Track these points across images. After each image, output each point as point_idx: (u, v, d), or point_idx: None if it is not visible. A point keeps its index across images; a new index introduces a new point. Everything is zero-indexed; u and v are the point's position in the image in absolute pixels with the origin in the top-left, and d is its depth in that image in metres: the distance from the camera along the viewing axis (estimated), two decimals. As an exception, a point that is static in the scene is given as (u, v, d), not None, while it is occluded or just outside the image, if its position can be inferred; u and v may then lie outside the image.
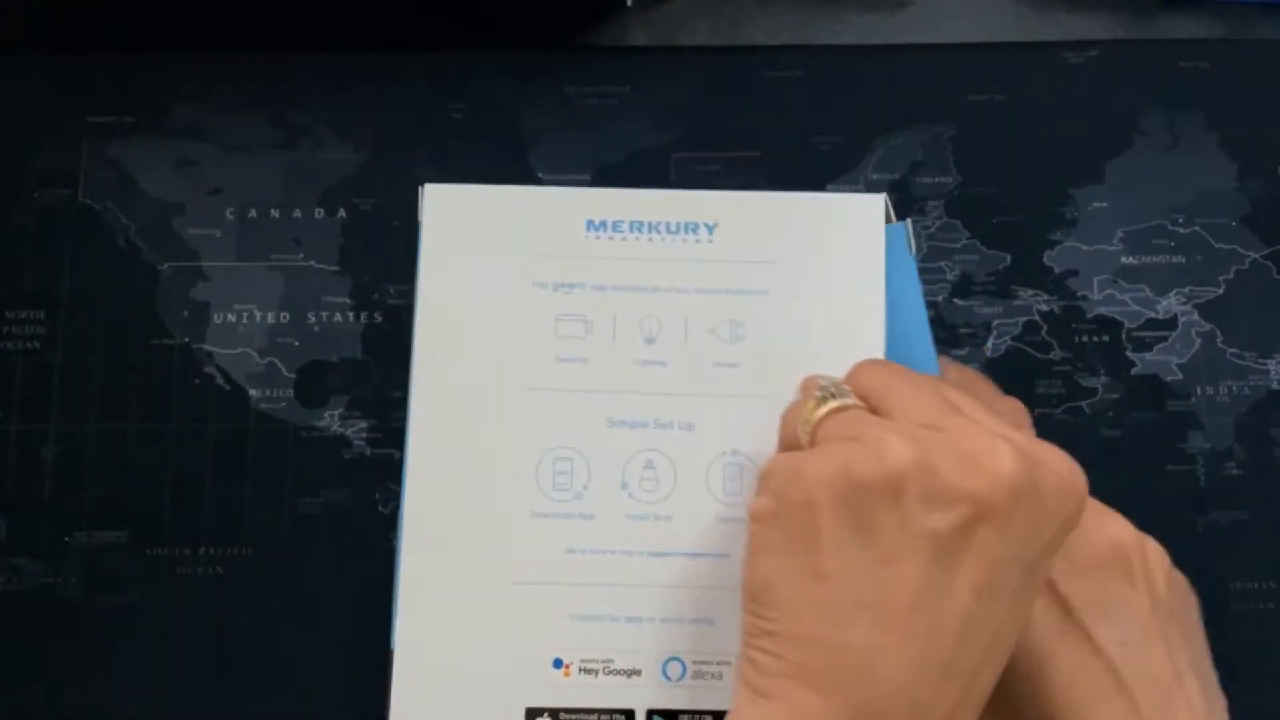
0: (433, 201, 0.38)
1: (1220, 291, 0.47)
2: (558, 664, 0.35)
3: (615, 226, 0.37)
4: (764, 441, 0.36)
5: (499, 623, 0.35)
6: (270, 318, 0.47)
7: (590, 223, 0.37)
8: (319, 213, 0.48)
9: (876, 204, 0.37)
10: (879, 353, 0.36)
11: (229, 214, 0.48)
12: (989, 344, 0.47)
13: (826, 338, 0.36)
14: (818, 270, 0.37)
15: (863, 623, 0.28)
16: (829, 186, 0.48)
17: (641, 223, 0.37)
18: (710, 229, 0.37)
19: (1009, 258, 0.47)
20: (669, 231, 0.37)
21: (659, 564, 0.35)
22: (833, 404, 0.32)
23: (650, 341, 0.37)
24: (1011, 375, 0.46)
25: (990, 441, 0.29)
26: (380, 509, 0.46)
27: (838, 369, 0.35)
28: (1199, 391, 0.46)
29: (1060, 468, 0.30)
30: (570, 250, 0.37)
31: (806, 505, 0.29)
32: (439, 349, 0.37)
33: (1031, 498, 0.29)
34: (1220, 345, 0.47)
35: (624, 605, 0.35)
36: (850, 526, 0.29)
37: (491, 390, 0.37)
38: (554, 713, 0.35)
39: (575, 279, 0.37)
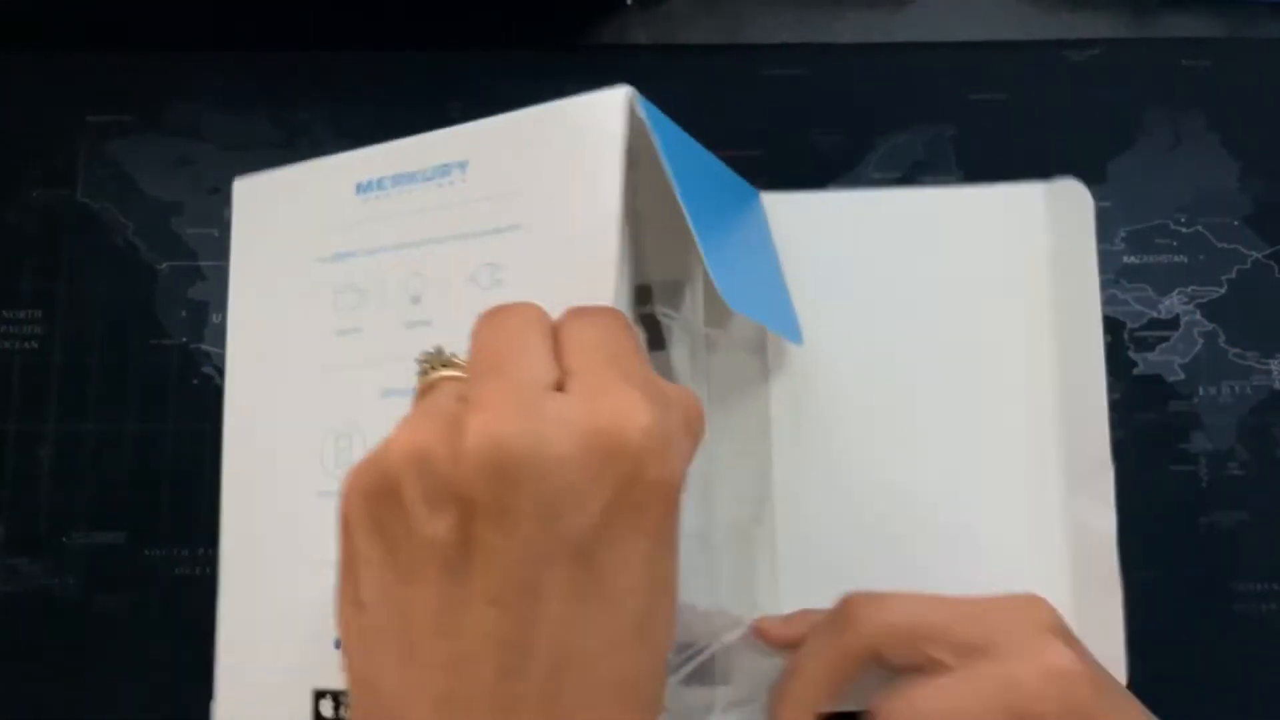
0: (239, 195, 0.37)
1: (1223, 291, 0.47)
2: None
3: (380, 184, 0.35)
4: None
5: (289, 604, 0.34)
6: (269, 317, 0.47)
7: (359, 185, 0.35)
8: (318, 212, 0.48)
9: (616, 101, 0.32)
10: (612, 278, 0.30)
11: (228, 214, 0.48)
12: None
13: (572, 270, 0.31)
14: (562, 192, 0.32)
15: (390, 657, 0.24)
16: (830, 185, 0.48)
17: (403, 175, 0.34)
18: (463, 168, 0.33)
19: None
20: (425, 179, 0.34)
21: None
22: (424, 380, 0.27)
23: (416, 301, 0.34)
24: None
25: (479, 415, 0.23)
26: (379, 509, 0.46)
27: (581, 297, 0.29)
28: (1201, 391, 0.46)
29: (579, 423, 0.23)
30: (345, 218, 0.35)
31: (345, 523, 0.25)
32: (245, 340, 0.36)
33: (527, 478, 0.22)
34: (1223, 345, 0.46)
35: None
36: (376, 542, 0.24)
37: (290, 374, 0.35)
38: (337, 695, 0.33)
39: (351, 247, 0.35)
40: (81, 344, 0.47)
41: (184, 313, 0.47)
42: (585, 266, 0.30)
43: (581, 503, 0.23)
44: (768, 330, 0.43)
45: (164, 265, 0.48)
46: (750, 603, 0.41)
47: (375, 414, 0.33)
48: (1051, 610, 0.34)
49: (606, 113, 0.32)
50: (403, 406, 0.27)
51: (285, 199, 0.36)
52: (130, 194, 0.48)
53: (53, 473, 0.46)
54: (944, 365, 0.42)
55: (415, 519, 0.23)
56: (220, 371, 0.47)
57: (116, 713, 0.44)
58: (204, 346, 0.47)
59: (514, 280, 0.32)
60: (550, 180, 0.32)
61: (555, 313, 0.27)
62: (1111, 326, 0.47)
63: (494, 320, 0.26)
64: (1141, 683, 0.40)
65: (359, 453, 0.31)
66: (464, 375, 0.26)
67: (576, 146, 0.32)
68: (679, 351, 0.37)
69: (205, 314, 0.47)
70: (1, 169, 0.48)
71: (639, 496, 0.23)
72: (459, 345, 0.28)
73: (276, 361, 0.36)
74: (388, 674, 0.24)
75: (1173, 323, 0.47)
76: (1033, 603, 0.34)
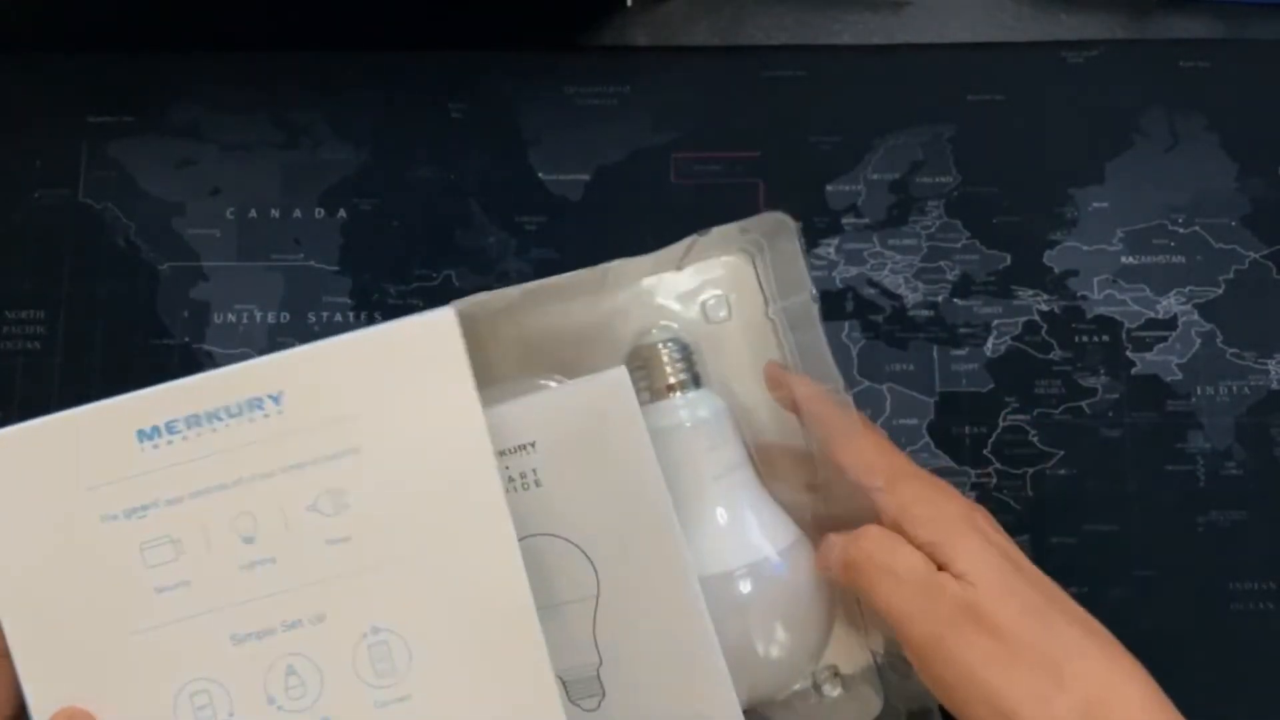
0: None
1: (1220, 291, 0.47)
2: None
3: (170, 429, 0.33)
4: (403, 608, 0.34)
5: None
6: (270, 318, 0.47)
7: (141, 433, 0.33)
8: (319, 213, 0.48)
9: (445, 319, 0.34)
10: (492, 471, 0.34)
11: (229, 214, 0.48)
12: (989, 344, 0.47)
13: (436, 478, 0.34)
14: (405, 409, 0.34)
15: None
16: (829, 187, 0.48)
17: (197, 415, 0.34)
18: (276, 399, 0.34)
19: (1009, 258, 0.47)
20: (231, 415, 0.33)
21: None
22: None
23: (250, 541, 0.33)
24: (1011, 375, 0.46)
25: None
26: (380, 509, 0.46)
27: (455, 508, 0.34)
28: (1199, 391, 0.46)
29: None
30: (128, 470, 0.33)
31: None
32: (31, 625, 0.33)
33: None
34: (1220, 345, 0.47)
35: None
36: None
37: (101, 647, 0.33)
38: None
39: (144, 500, 0.33)
40: (83, 344, 0.47)
41: (186, 313, 0.47)
42: (459, 477, 0.33)
43: None
44: None
45: (165, 266, 0.48)
46: None
47: (232, 662, 0.33)
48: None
49: (440, 332, 0.34)
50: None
51: (45, 458, 0.33)
52: (132, 194, 0.48)
53: (54, 472, 0.46)
54: None
55: None
56: (221, 371, 0.47)
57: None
58: (206, 347, 0.47)
59: (360, 502, 0.34)
60: (388, 401, 0.34)
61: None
62: (1109, 327, 0.47)
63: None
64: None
65: (223, 705, 0.33)
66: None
67: (413, 366, 0.34)
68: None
69: (207, 314, 0.47)
70: (3, 170, 0.48)
71: None
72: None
73: (77, 638, 0.33)
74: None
75: (1170, 323, 0.47)
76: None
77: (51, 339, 0.47)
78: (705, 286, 0.44)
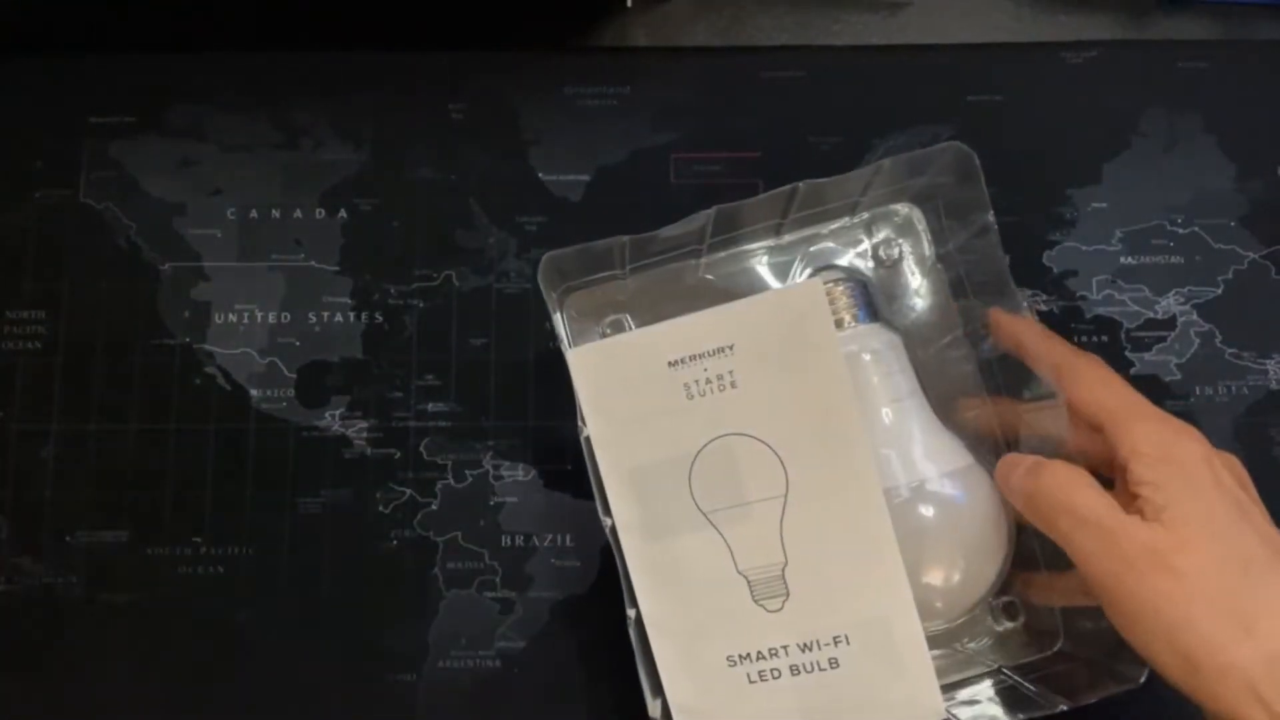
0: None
1: (1219, 291, 0.47)
2: None
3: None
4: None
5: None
6: (271, 318, 0.47)
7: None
8: (319, 213, 0.48)
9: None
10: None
11: (230, 214, 0.48)
12: (988, 343, 0.47)
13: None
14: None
15: None
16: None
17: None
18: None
19: (1008, 258, 0.47)
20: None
21: None
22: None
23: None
24: (1011, 375, 0.46)
25: None
26: (381, 508, 0.46)
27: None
28: (1198, 391, 0.46)
29: None
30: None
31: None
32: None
33: None
34: (1219, 345, 0.47)
35: None
36: None
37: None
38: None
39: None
40: (84, 344, 0.47)
41: (186, 313, 0.47)
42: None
43: None
44: None
45: (166, 266, 0.48)
46: None
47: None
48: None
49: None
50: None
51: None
52: (132, 195, 0.48)
53: (56, 472, 0.46)
54: None
55: None
56: (223, 371, 0.47)
57: (119, 713, 0.45)
58: (206, 346, 0.47)
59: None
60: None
61: None
62: (1109, 327, 0.47)
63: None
64: (1148, 686, 0.40)
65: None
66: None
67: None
68: None
69: (207, 314, 0.47)
70: (4, 170, 0.49)
71: None
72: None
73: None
74: None
75: (1169, 323, 0.47)
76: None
77: (51, 339, 0.47)
78: (877, 230, 0.46)
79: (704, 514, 0.39)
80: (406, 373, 0.47)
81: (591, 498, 0.40)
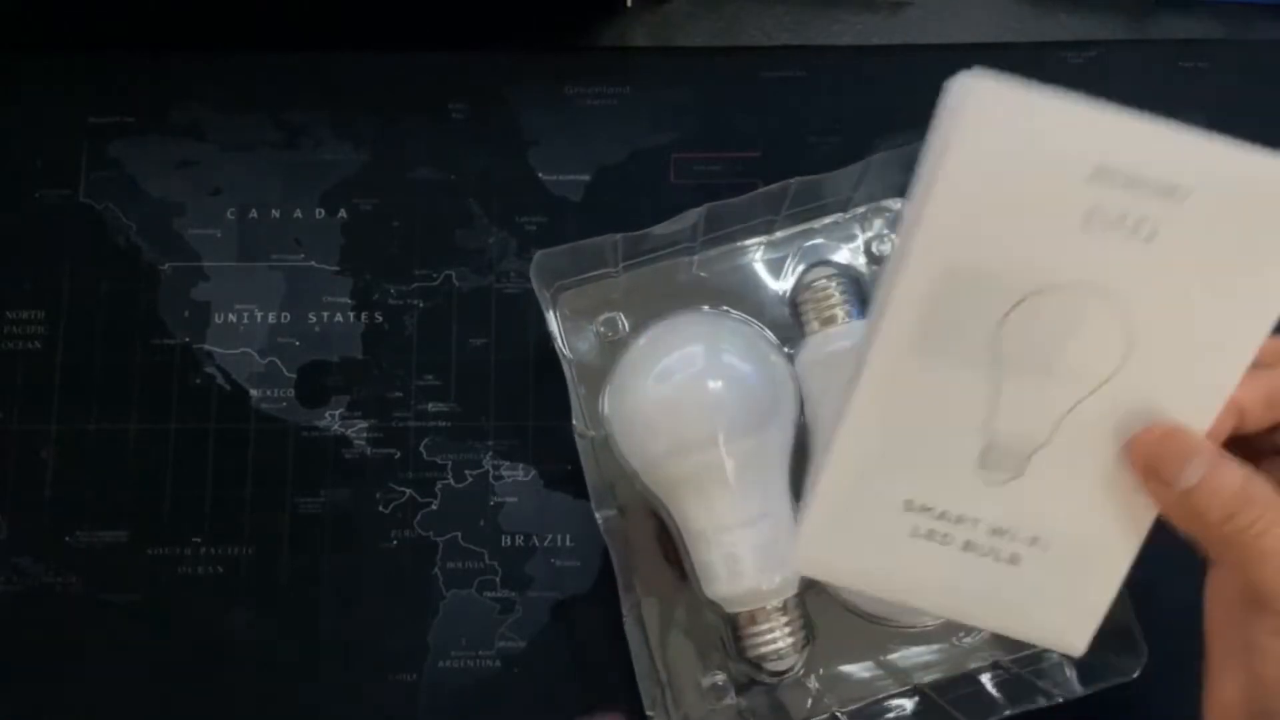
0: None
1: (1219, 291, 0.47)
2: None
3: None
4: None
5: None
6: (271, 318, 0.47)
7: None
8: (319, 213, 0.48)
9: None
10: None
11: (229, 214, 0.48)
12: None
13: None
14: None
15: None
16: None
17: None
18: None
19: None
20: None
21: None
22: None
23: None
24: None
25: None
26: (380, 509, 0.46)
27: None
28: (1198, 391, 0.46)
29: None
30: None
31: None
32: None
33: None
34: (1219, 345, 0.47)
35: None
36: None
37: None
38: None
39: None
40: (84, 344, 0.47)
41: (186, 313, 0.47)
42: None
43: None
44: None
45: (166, 266, 0.48)
46: None
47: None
48: None
49: None
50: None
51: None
52: (132, 195, 0.48)
53: (55, 472, 0.46)
54: None
55: None
56: (223, 371, 0.47)
57: (119, 712, 0.45)
58: (206, 346, 0.47)
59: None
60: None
61: None
62: (1109, 327, 0.47)
63: None
64: (1143, 679, 0.40)
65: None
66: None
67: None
68: None
69: (207, 314, 0.47)
70: (4, 170, 0.49)
71: None
72: None
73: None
74: None
75: (1170, 323, 0.47)
76: None
77: (51, 339, 0.47)
78: (870, 226, 0.46)
79: (998, 358, 0.31)
80: (406, 373, 0.47)
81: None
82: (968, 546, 0.33)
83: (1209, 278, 0.30)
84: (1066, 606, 0.34)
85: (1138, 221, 0.30)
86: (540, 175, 0.48)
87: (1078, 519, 0.33)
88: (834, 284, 0.42)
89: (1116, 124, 0.30)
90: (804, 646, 0.42)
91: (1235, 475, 0.30)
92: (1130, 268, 0.30)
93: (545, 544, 0.46)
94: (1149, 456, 0.31)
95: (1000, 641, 0.43)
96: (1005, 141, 0.30)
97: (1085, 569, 0.33)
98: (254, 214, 0.48)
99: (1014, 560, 0.33)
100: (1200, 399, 0.31)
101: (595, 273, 0.44)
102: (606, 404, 0.44)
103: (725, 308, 0.45)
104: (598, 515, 0.40)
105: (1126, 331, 0.31)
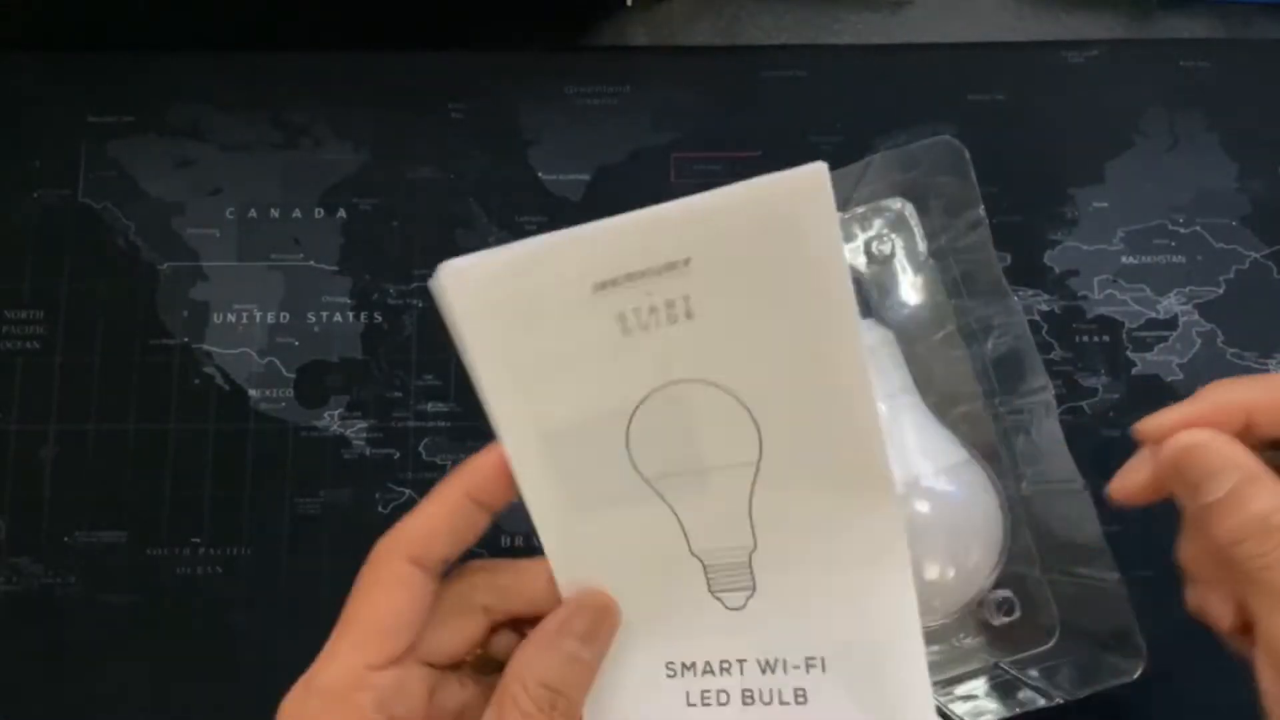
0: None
1: (1221, 291, 0.47)
2: None
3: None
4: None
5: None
6: (270, 318, 0.47)
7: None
8: (319, 213, 0.48)
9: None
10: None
11: (229, 214, 0.48)
12: (989, 343, 0.46)
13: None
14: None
15: None
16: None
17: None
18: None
19: (1009, 257, 0.47)
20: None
21: None
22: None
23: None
24: (1004, 372, 0.46)
25: None
26: (380, 509, 0.46)
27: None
28: (1199, 391, 0.46)
29: None
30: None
31: None
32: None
33: None
34: (1221, 345, 0.47)
35: None
36: None
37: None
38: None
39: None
40: (83, 344, 0.47)
41: (185, 313, 0.47)
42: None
43: None
44: None
45: (165, 265, 0.48)
46: None
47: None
48: None
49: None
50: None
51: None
52: (131, 194, 0.48)
53: (54, 472, 0.46)
54: None
55: None
56: (222, 371, 0.47)
57: (119, 712, 0.45)
58: (205, 346, 0.47)
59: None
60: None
61: None
62: (1110, 326, 0.47)
63: None
64: (1142, 681, 0.40)
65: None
66: None
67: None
68: None
69: (206, 314, 0.47)
70: (3, 170, 0.49)
71: None
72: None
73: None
74: None
75: (1171, 323, 0.47)
76: None
77: (51, 339, 0.47)
78: (869, 225, 0.46)
79: (647, 481, 0.30)
80: (406, 373, 0.47)
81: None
82: (747, 698, 0.31)
83: (769, 319, 0.29)
84: (883, 713, 0.31)
85: (668, 304, 0.29)
86: (540, 175, 0.48)
87: (837, 617, 0.31)
88: None
89: (581, 242, 0.29)
90: None
91: (1263, 501, 0.29)
92: (694, 346, 0.29)
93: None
94: (1177, 465, 0.31)
95: (1000, 643, 0.43)
96: (503, 307, 0.29)
97: (879, 674, 0.30)
98: (253, 214, 0.48)
99: (801, 698, 0.31)
100: (857, 427, 0.29)
101: None
102: None
103: None
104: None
105: (743, 404, 0.29)
